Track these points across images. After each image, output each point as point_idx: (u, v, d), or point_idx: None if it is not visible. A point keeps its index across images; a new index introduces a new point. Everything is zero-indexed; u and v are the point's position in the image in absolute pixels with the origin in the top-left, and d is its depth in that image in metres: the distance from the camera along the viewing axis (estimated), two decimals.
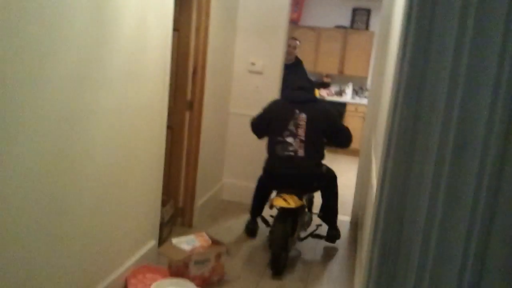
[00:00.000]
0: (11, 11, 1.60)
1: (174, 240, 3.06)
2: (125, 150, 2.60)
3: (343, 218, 4.59)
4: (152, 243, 3.16)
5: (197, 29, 3.67)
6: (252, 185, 4.61)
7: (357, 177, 4.55)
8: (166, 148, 3.27)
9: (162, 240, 3.42)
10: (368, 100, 4.36)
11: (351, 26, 7.94)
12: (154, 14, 2.74)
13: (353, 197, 4.65)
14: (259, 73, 4.48)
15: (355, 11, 7.94)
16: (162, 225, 3.42)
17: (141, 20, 2.58)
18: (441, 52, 0.73)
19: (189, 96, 3.77)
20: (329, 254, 3.74)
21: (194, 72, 3.74)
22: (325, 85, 8.07)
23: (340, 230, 4.02)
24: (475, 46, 0.73)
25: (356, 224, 4.41)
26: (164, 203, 3.46)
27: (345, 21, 8.00)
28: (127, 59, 2.47)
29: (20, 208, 1.79)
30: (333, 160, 7.22)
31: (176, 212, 3.87)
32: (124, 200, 2.68)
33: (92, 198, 2.31)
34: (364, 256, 1.16)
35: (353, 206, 4.55)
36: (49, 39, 1.80)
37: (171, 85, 3.22)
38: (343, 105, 7.67)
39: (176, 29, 3.39)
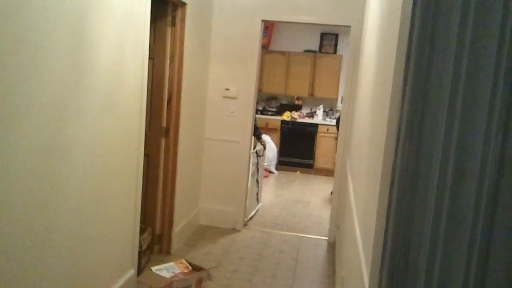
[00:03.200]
0: None
1: (154, 268, 3.04)
2: (103, 180, 2.59)
3: (320, 237, 4.65)
4: (131, 272, 3.12)
5: (172, 57, 3.72)
6: (228, 208, 4.63)
7: (332, 197, 4.62)
8: (142, 175, 3.26)
9: (141, 268, 3.38)
10: (340, 121, 4.47)
11: (320, 50, 8.16)
12: (130, 43, 2.78)
13: (329, 217, 4.72)
14: (233, 98, 4.55)
15: (323, 35, 8.17)
16: (140, 253, 3.38)
17: (118, 49, 2.61)
18: (439, 90, 0.81)
19: (164, 123, 3.79)
20: (308, 274, 3.77)
21: (169, 99, 3.77)
22: (297, 108, 8.21)
23: (318, 250, 4.13)
24: (469, 85, 0.80)
25: (333, 244, 4.46)
26: (142, 231, 3.43)
27: (314, 45, 8.22)
28: (104, 89, 2.49)
29: (6, 245, 1.76)
30: (306, 180, 7.32)
31: (153, 239, 3.84)
32: (102, 229, 2.66)
33: (70, 228, 2.28)
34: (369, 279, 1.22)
35: (330, 226, 4.61)
36: (25, 72, 1.81)
37: (146, 112, 3.25)
38: (315, 126, 7.81)
39: (151, 57, 3.43)
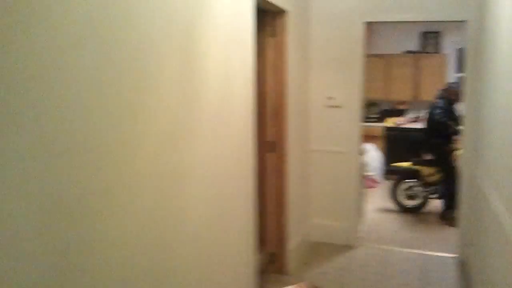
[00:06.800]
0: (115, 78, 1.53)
1: None
2: (219, 204, 2.45)
3: (446, 255, 4.16)
4: None
5: (274, 69, 3.57)
6: (340, 223, 4.34)
7: (460, 210, 4.13)
8: None
9: None
10: (465, 125, 3.98)
11: (421, 51, 7.61)
12: (236, 59, 2.63)
13: (454, 231, 4.24)
14: (337, 106, 4.28)
15: (423, 34, 7.62)
16: (257, 275, 3.22)
17: (225, 66, 2.48)
18: None
19: (269, 137, 3.63)
20: None
21: (275, 112, 3.61)
22: (399, 113, 7.72)
23: (445, 269, 3.72)
24: None
25: (463, 263, 3.96)
26: (257, 251, 3.27)
27: (414, 46, 7.69)
28: (215, 108, 2.35)
29: (126, 272, 1.67)
30: None
31: (269, 259, 3.67)
32: (219, 254, 2.51)
33: (187, 258, 2.15)
34: None
35: (459, 242, 4.11)
36: (139, 96, 1.70)
37: None
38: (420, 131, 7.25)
39: None
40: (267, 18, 3.56)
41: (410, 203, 5.53)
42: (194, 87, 2.10)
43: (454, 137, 5.13)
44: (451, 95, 5.22)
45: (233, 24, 2.58)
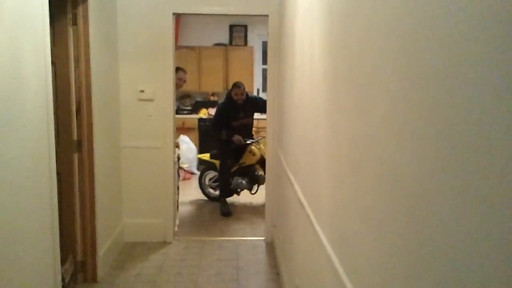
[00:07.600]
0: None
1: None
2: (7, 216, 2.14)
3: (257, 238, 4.45)
4: None
5: (77, 60, 3.27)
6: (155, 220, 4.25)
7: (266, 196, 4.43)
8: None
9: None
10: (268, 116, 4.28)
11: (230, 43, 7.94)
12: (28, 47, 2.32)
13: (263, 215, 4.54)
14: (150, 100, 4.16)
15: (232, 27, 7.96)
16: None
17: (13, 61, 2.16)
18: None
19: (75, 136, 3.33)
20: (252, 281, 3.55)
21: (79, 108, 3.31)
22: (213, 104, 7.93)
23: (256, 252, 4.04)
24: None
25: (271, 244, 4.28)
26: (62, 262, 2.97)
27: (224, 38, 7.98)
28: None
29: None
30: None
31: (76, 268, 3.38)
32: (16, 271, 2.20)
33: None
34: None
35: (266, 225, 4.42)
36: None
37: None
38: None
39: (52, 62, 2.96)
40: (67, 5, 3.23)
41: (215, 193, 5.74)
42: None
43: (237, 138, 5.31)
44: (232, 95, 5.27)
45: (23, 11, 2.26)
